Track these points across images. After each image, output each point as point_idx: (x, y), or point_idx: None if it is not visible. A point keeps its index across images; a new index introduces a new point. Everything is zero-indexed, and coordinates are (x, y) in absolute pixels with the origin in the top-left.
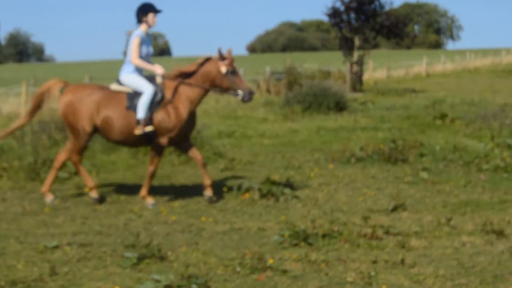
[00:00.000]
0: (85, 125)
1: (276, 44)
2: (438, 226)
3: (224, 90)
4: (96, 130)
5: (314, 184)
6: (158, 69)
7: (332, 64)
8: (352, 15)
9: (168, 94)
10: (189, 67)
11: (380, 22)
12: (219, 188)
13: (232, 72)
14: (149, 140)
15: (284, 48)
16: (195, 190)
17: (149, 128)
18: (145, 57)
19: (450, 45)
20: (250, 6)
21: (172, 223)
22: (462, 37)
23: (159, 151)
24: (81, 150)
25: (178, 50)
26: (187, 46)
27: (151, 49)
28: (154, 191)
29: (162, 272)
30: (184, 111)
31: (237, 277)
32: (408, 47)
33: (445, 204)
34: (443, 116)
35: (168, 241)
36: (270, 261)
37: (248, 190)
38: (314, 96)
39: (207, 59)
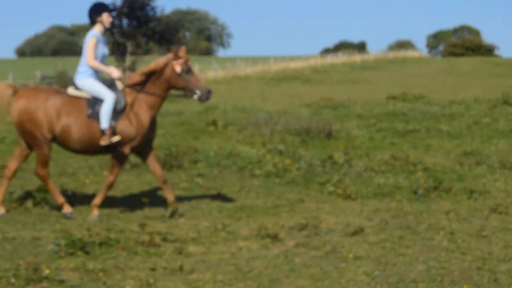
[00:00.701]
0: (45, 133)
1: (46, 48)
2: (214, 232)
3: (181, 90)
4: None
5: (89, 191)
6: (114, 72)
7: None
8: (124, 20)
9: (128, 101)
10: (141, 72)
11: (152, 28)
12: None
13: (187, 71)
14: (109, 149)
15: (55, 52)
16: None
17: (116, 138)
18: (101, 59)
19: (221, 52)
20: (18, 8)
21: None
22: (233, 45)
23: (121, 160)
24: (47, 161)
25: None
26: None
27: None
28: None
29: None
30: (145, 118)
31: None
32: None
33: (221, 210)
34: (216, 123)
35: None
36: (46, 271)
37: (20, 198)
38: None
39: (158, 62)
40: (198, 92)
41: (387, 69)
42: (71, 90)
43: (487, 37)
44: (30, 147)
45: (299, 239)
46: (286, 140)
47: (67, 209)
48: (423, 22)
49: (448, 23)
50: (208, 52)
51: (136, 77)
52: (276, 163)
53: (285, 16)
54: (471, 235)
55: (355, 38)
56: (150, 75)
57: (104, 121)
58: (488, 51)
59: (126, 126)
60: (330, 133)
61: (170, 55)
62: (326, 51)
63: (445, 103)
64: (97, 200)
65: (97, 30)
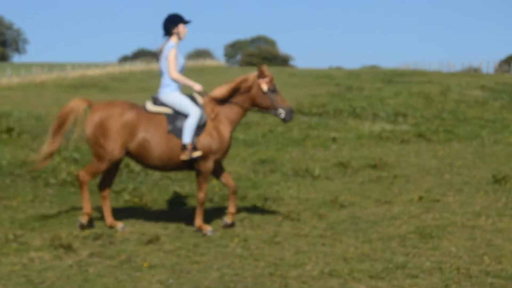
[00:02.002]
0: (115, 148)
1: None
2: (6, 243)
3: (264, 109)
4: (126, 153)
5: None
6: (196, 86)
7: None
8: None
9: (209, 115)
10: (228, 88)
11: None
12: None
13: (273, 90)
14: (187, 165)
15: None
16: None
17: (197, 154)
18: (180, 71)
19: (16, 58)
20: None
21: None
22: (29, 51)
23: (206, 175)
24: (97, 174)
25: None
26: None
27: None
28: None
29: None
30: (226, 132)
31: None
32: None
33: (13, 220)
34: (9, 130)
35: None
36: None
37: None
38: None
39: (245, 78)
40: (282, 112)
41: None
42: (149, 105)
43: (283, 48)
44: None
45: (93, 248)
46: (81, 148)
47: (84, 219)
48: (221, 31)
49: (245, 33)
50: (3, 58)
51: (222, 91)
52: (72, 171)
53: (83, 23)
54: (264, 241)
55: (153, 46)
56: (235, 91)
57: (187, 136)
58: (284, 61)
59: (209, 141)
60: None
61: (256, 73)
62: (125, 59)
63: None
64: (199, 222)
65: (174, 41)
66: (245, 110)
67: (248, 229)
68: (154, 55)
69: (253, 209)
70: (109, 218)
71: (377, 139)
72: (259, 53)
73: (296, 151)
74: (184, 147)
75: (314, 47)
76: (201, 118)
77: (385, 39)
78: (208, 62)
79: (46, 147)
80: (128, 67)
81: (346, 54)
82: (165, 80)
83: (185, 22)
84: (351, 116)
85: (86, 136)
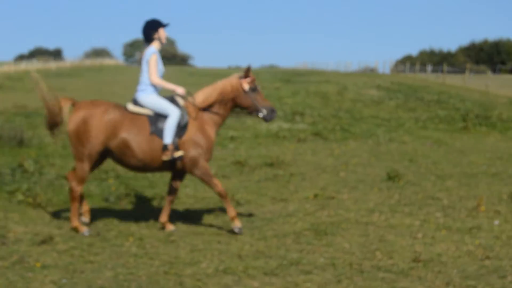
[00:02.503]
0: (96, 146)
1: None
2: None
3: (245, 108)
4: (106, 153)
5: None
6: (179, 89)
7: None
8: None
9: (193, 116)
10: (212, 97)
11: None
12: None
13: (254, 89)
14: (168, 166)
15: None
16: None
17: (178, 153)
18: (160, 75)
19: None
20: None
21: None
22: None
23: (207, 173)
24: (85, 178)
25: None
26: None
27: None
28: None
29: None
30: (212, 132)
31: None
32: None
33: None
34: None
35: None
36: None
37: None
38: None
39: (229, 85)
40: (264, 111)
41: (84, 77)
42: (130, 106)
43: (182, 47)
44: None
45: None
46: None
47: (83, 230)
48: (119, 31)
49: None
50: None
51: (206, 100)
52: None
53: None
54: (159, 240)
55: (50, 45)
56: (219, 97)
57: (168, 137)
58: (182, 60)
59: (196, 140)
60: (22, 141)
61: (238, 74)
62: (21, 58)
63: None
64: (232, 213)
65: (155, 47)
66: (227, 111)
67: (144, 228)
68: (51, 54)
69: (149, 208)
70: (74, 220)
71: (274, 138)
72: None
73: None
74: (165, 148)
75: (213, 47)
76: (182, 118)
77: (284, 39)
78: (106, 61)
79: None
80: (24, 66)
81: (245, 54)
82: (142, 84)
83: (164, 25)
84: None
85: (68, 131)
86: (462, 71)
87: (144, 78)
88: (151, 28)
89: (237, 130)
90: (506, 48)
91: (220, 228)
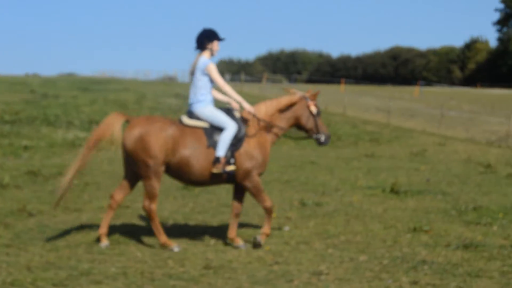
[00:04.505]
0: (159, 163)
1: None
2: None
3: (305, 130)
4: (166, 170)
5: None
6: (245, 104)
7: None
8: None
9: (251, 130)
10: (273, 108)
11: None
12: None
13: (319, 113)
14: (226, 180)
15: None
16: None
17: (230, 168)
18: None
19: None
20: None
21: None
22: None
23: (257, 187)
24: (156, 195)
25: None
26: None
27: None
28: None
29: None
30: (268, 147)
31: None
32: None
33: None
34: None
35: None
36: None
37: None
38: None
39: (293, 100)
40: (323, 136)
41: None
42: (185, 120)
43: None
44: (137, 178)
45: None
46: None
47: (172, 245)
48: None
49: None
50: None
51: (267, 112)
52: None
53: None
54: None
55: None
56: (281, 111)
57: (221, 150)
58: None
59: (253, 154)
60: None
61: (306, 94)
62: None
63: None
64: (267, 230)
65: (206, 56)
66: (287, 128)
67: None
68: None
69: None
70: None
71: (70, 146)
72: None
73: None
74: (217, 160)
75: (10, 53)
76: (239, 131)
77: (82, 47)
78: None
79: (76, 163)
80: None
81: (43, 61)
82: (201, 94)
83: (220, 39)
84: (45, 124)
85: (126, 150)
86: (259, 80)
87: (199, 88)
88: (207, 37)
89: (31, 139)
90: (302, 58)
91: (10, 239)
